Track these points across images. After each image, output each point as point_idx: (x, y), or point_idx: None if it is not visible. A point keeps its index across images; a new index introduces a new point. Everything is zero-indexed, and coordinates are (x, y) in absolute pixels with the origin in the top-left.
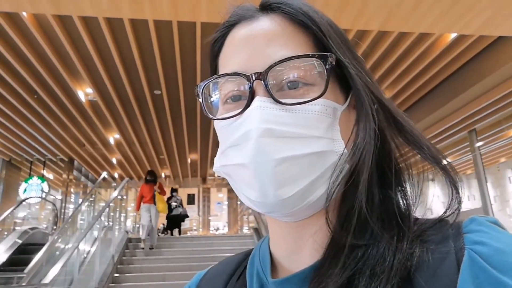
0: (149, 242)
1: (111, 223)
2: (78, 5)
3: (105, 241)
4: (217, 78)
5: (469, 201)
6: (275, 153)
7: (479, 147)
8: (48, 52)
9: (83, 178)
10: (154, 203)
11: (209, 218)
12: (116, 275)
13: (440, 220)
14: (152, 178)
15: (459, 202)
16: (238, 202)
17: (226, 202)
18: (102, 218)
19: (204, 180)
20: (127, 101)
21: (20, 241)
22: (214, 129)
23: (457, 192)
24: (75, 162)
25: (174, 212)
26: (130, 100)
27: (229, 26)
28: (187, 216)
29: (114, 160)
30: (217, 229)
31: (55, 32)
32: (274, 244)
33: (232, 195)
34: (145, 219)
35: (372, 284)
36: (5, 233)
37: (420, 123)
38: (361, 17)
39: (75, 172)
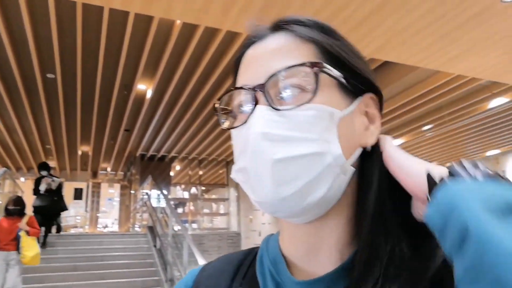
0: None
1: None
2: None
3: None
4: (226, 93)
5: None
6: (272, 154)
7: None
8: None
9: None
10: (18, 250)
11: (98, 214)
12: None
13: None
14: (18, 208)
15: None
16: (132, 199)
17: (117, 199)
18: None
19: (95, 174)
20: (11, 82)
21: None
22: (111, 122)
23: None
24: None
25: (43, 202)
26: (16, 81)
27: (246, 47)
28: (65, 208)
29: None
30: (106, 226)
31: None
32: (287, 245)
33: (125, 191)
34: None
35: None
36: None
37: None
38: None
39: None
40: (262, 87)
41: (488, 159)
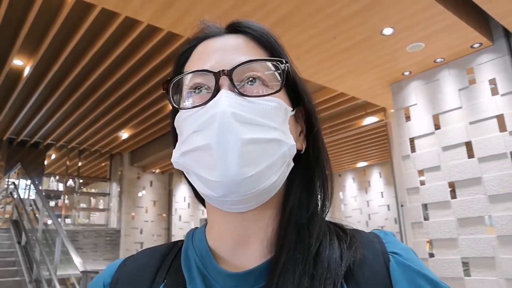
0: None
1: None
2: None
3: None
4: (187, 73)
5: None
6: (242, 134)
7: None
8: None
9: None
10: None
11: None
12: None
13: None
14: None
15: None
16: None
17: None
18: None
19: None
20: None
21: None
22: None
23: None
24: None
25: None
26: None
27: (198, 40)
28: None
29: None
30: None
31: None
32: (216, 238)
33: None
34: None
35: (327, 281)
36: None
37: None
38: (179, 24)
39: None
40: (229, 73)
41: (358, 170)
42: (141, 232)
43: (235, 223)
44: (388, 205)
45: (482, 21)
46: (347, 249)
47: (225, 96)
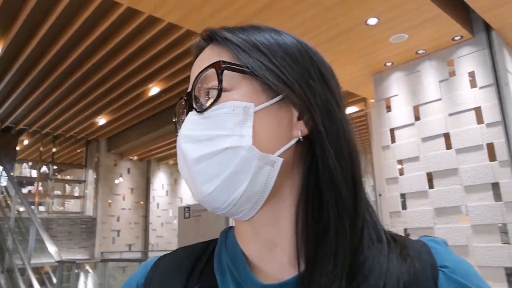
0: None
1: None
2: None
3: None
4: (179, 100)
5: None
6: (190, 154)
7: None
8: None
9: None
10: None
11: None
12: None
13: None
14: None
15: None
16: None
17: None
18: None
19: None
20: None
21: None
22: None
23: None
24: None
25: None
26: None
27: (195, 59)
28: None
29: None
30: None
31: None
32: (242, 242)
33: None
34: None
35: None
36: None
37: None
38: (161, 7)
39: None
40: (189, 94)
41: None
42: (118, 220)
43: (250, 229)
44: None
45: (464, 14)
46: (401, 262)
47: (186, 120)
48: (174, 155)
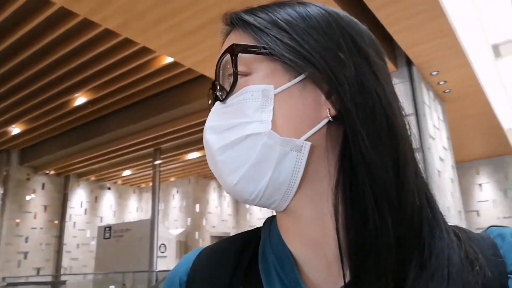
0: None
1: None
2: None
3: None
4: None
5: (137, 212)
6: (213, 145)
7: (159, 164)
8: None
9: None
10: None
11: None
12: None
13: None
14: None
15: None
16: None
17: None
18: None
19: None
20: None
21: None
22: None
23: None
24: None
25: None
26: None
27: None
28: None
29: None
30: None
31: None
32: (286, 237)
33: None
34: None
35: None
36: None
37: (114, 132)
38: (100, 11)
39: None
40: (213, 84)
41: None
42: (26, 241)
43: (291, 222)
44: None
45: (390, 48)
46: (466, 269)
47: (211, 111)
48: (97, 170)
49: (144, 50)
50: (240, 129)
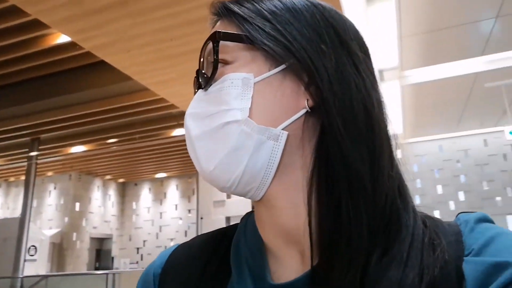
0: None
1: None
2: None
3: None
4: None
5: (1, 209)
6: (193, 131)
7: (36, 156)
8: None
9: None
10: None
11: None
12: None
13: (430, 218)
14: None
15: None
16: None
17: None
18: None
19: None
20: None
21: None
22: None
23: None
24: None
25: None
26: None
27: None
28: None
29: None
30: None
31: None
32: (261, 227)
33: None
34: None
35: None
36: None
37: None
38: None
39: None
40: (197, 72)
41: (155, 181)
42: None
43: (265, 211)
44: (181, 218)
45: None
46: (431, 253)
47: (194, 98)
48: None
49: (34, 23)
50: (219, 117)
